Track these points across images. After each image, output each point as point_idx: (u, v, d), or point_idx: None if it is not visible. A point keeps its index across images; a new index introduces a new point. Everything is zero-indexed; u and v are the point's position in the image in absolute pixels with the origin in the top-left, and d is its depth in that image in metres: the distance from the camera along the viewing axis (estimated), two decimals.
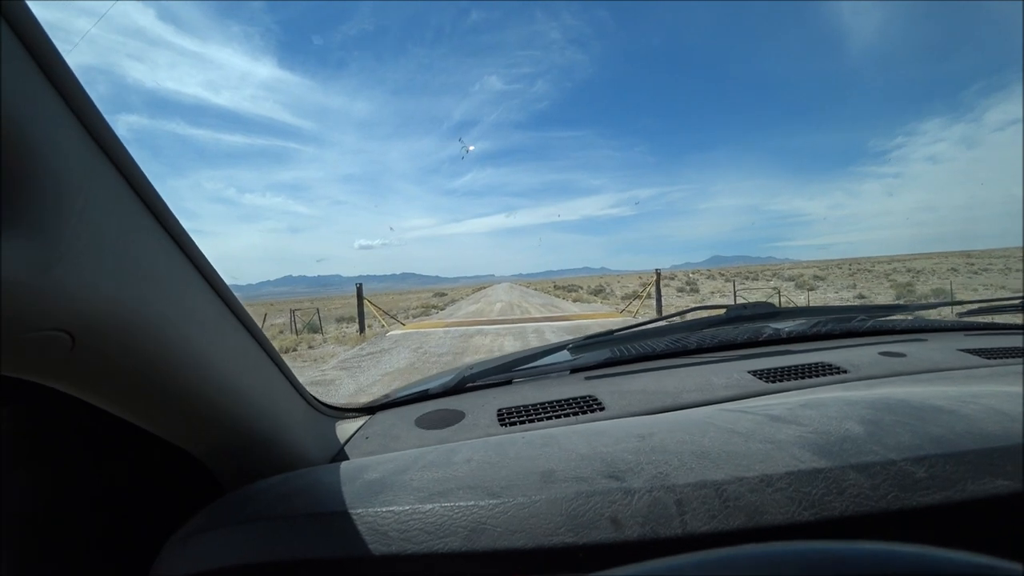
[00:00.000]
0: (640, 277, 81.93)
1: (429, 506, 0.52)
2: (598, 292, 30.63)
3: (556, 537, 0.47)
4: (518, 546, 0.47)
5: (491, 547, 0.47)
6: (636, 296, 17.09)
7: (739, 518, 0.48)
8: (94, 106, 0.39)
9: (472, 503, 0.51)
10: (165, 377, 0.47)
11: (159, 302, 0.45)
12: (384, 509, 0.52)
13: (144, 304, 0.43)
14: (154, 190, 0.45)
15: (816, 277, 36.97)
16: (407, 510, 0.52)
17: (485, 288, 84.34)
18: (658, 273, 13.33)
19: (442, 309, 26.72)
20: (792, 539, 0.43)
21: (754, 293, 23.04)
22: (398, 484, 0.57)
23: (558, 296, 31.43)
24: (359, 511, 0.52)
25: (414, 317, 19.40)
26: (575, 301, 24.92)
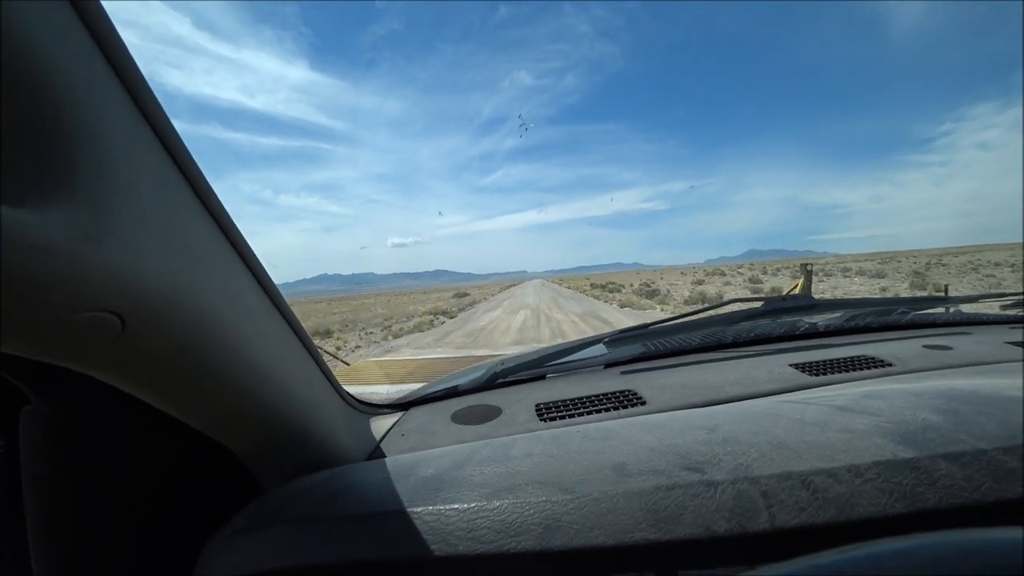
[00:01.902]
0: (683, 273, 74.51)
1: (497, 503, 0.49)
2: (652, 294, 24.04)
3: (638, 533, 0.45)
4: (597, 543, 0.44)
5: (567, 545, 0.45)
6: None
7: (829, 511, 0.46)
8: (143, 78, 0.37)
9: (544, 499, 0.49)
10: (211, 366, 0.45)
11: (207, 286, 0.43)
12: (447, 507, 0.50)
13: (192, 287, 0.41)
14: (198, 169, 0.43)
15: (917, 273, 29.50)
16: (472, 507, 0.49)
17: (513, 286, 78.34)
18: (808, 272, 7.30)
19: (453, 317, 21.34)
20: (885, 533, 0.42)
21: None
22: (458, 480, 0.55)
23: (598, 298, 25.28)
24: (418, 509, 0.50)
25: (393, 338, 14.07)
26: (623, 307, 18.91)
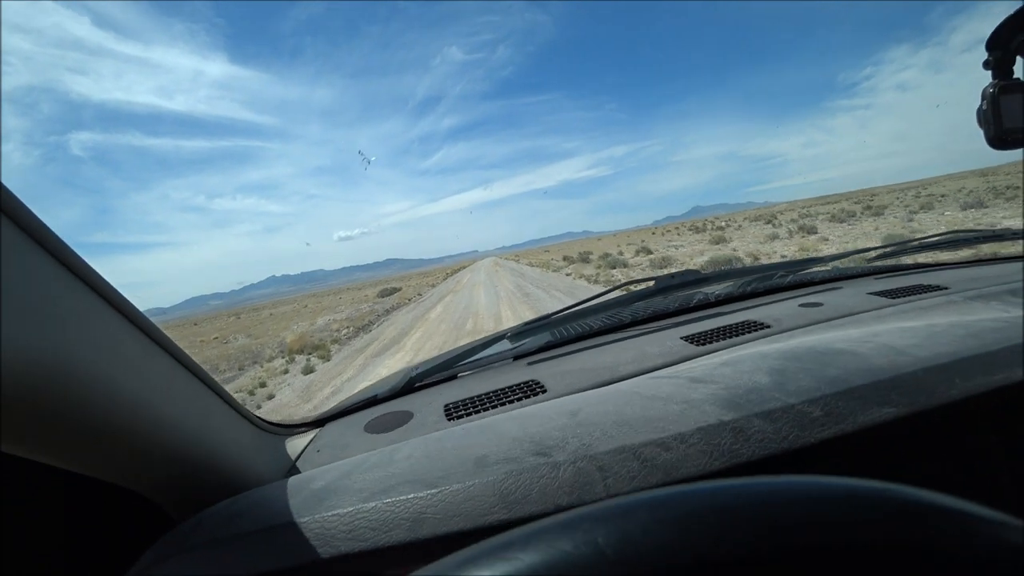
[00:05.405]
0: (654, 232, 65.71)
1: (372, 504, 0.54)
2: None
3: (492, 516, 0.51)
4: (457, 529, 0.50)
5: (433, 533, 0.50)
6: None
7: (657, 475, 0.52)
8: None
9: (412, 495, 0.54)
10: (95, 422, 0.46)
11: (75, 345, 0.43)
12: (330, 514, 0.54)
13: (61, 352, 0.41)
14: (41, 223, 0.43)
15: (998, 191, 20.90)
16: (351, 511, 0.54)
17: (462, 269, 66.16)
18: None
19: (327, 357, 10.32)
20: None
21: None
22: (342, 488, 0.59)
23: (583, 278, 14.87)
24: (306, 519, 0.54)
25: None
26: None
